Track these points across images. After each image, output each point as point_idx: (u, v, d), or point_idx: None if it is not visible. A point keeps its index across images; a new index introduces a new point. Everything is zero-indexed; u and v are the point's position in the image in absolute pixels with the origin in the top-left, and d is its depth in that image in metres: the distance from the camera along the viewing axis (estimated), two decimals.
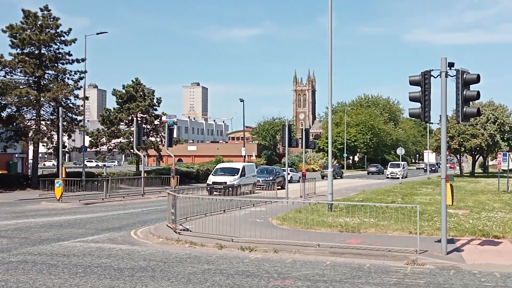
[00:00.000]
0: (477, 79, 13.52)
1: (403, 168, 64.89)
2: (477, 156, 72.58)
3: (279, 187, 36.85)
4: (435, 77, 13.99)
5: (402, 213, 17.89)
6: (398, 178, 55.37)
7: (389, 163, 74.89)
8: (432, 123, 16.30)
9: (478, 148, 64.06)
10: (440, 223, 15.04)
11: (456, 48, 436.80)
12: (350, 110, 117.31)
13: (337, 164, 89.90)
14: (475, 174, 72.03)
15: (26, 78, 42.05)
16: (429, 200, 27.94)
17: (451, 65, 13.60)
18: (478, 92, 13.64)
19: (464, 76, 13.47)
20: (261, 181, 39.25)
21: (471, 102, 14.14)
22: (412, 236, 15.06)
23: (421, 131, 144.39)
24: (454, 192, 13.87)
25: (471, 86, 13.65)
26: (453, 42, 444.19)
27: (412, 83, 14.39)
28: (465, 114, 13.55)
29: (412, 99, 14.45)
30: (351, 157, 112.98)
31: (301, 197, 31.08)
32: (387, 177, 65.13)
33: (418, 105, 14.33)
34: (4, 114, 41.68)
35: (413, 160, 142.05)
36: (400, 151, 55.67)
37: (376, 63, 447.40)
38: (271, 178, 41.21)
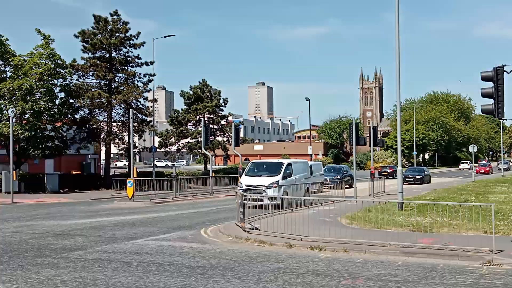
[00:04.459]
0: None
1: (344, 175, 40.31)
2: None
3: (347, 186, 36.52)
4: (508, 73, 13.54)
5: (476, 212, 17.34)
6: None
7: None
8: (505, 119, 15.79)
9: None
10: None
11: None
12: (419, 107, 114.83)
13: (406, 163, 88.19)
14: None
15: (98, 81, 43.44)
16: (504, 199, 26.96)
17: None
18: None
19: None
20: (328, 180, 38.98)
21: None
22: (487, 235, 14.58)
23: (494, 128, 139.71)
24: None
25: None
26: None
27: (484, 79, 13.98)
28: None
29: (484, 95, 14.03)
30: (421, 155, 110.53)
31: (370, 196, 30.68)
32: None
33: (491, 101, 13.91)
34: (77, 116, 43.22)
35: (486, 158, 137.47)
36: (473, 148, 54.13)
37: (446, 58, 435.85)
38: (338, 177, 40.85)
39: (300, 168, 29.85)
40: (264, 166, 28.94)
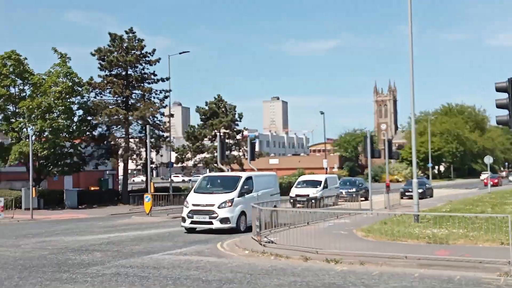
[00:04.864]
0: None
1: (325, 186, 37.77)
2: None
3: (363, 199, 36.48)
4: None
5: (492, 224, 17.27)
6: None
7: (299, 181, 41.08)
8: None
9: None
10: None
11: None
12: (434, 119, 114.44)
13: (422, 175, 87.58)
14: None
15: (115, 98, 43.94)
16: None
17: None
18: None
19: None
20: (344, 193, 38.98)
21: None
22: (504, 247, 14.53)
23: (509, 139, 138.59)
24: None
25: None
26: None
27: (499, 89, 14.04)
28: None
29: (499, 106, 14.10)
30: (436, 167, 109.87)
31: (385, 208, 30.63)
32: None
33: (506, 112, 13.97)
34: (95, 133, 43.73)
35: (502, 169, 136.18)
36: (488, 159, 53.68)
37: (460, 70, 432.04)
38: (354, 190, 40.85)
39: (265, 183, 24.95)
40: (219, 181, 24.29)
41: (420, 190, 39.51)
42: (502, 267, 12.33)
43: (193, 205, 21.77)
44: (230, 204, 21.35)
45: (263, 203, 20.21)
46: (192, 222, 21.63)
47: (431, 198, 44.68)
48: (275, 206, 23.39)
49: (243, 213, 21.76)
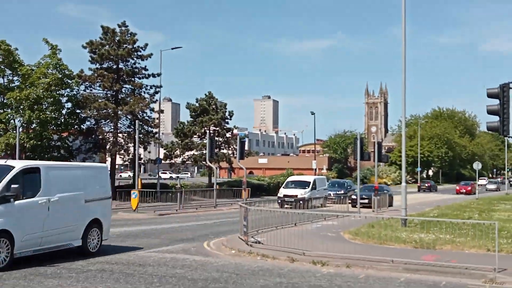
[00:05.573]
0: None
1: (314, 187, 33.64)
2: None
3: (351, 201, 36.42)
4: None
5: (479, 230, 17.29)
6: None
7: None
8: (511, 137, 15.80)
9: None
10: None
11: None
12: (424, 123, 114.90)
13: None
14: None
15: (105, 92, 43.60)
16: (508, 217, 26.87)
17: None
18: None
19: None
20: (332, 195, 38.93)
21: None
22: (490, 253, 14.56)
23: (498, 145, 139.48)
24: None
25: None
26: None
27: (490, 95, 14.05)
28: None
29: (490, 112, 14.11)
30: (425, 171, 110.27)
31: (373, 211, 30.64)
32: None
33: (496, 118, 13.96)
34: (84, 126, 43.40)
35: (490, 175, 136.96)
36: (477, 165, 53.94)
37: (452, 74, 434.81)
38: (342, 192, 40.84)
39: (78, 180, 15.04)
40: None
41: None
42: (488, 273, 12.34)
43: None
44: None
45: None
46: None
47: (390, 207, 35.46)
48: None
49: (3, 233, 12.42)
